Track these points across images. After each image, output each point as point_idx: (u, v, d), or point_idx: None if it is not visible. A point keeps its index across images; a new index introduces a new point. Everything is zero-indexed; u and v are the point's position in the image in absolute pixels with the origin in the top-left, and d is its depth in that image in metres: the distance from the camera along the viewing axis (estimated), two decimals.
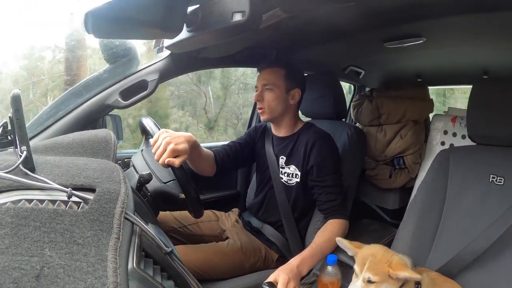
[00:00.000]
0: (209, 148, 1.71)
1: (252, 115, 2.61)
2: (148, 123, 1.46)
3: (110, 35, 1.25)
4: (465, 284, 1.19)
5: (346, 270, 1.44)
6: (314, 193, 1.61)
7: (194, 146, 1.39)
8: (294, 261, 1.33)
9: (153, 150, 1.26)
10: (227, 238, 1.72)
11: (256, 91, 1.70)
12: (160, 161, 1.24)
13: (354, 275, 1.16)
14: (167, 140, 1.24)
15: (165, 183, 1.41)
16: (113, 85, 1.54)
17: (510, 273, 1.18)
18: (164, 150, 1.23)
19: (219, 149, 1.79)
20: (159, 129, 1.36)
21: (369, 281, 1.09)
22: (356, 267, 1.15)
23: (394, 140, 2.48)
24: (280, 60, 1.76)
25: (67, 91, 1.61)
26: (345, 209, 1.55)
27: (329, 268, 1.25)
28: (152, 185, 1.41)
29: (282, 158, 1.72)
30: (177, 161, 1.24)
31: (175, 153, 1.25)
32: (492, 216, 1.24)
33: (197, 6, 1.08)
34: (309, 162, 1.61)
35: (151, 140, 1.29)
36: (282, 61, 1.73)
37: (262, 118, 1.71)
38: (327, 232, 1.47)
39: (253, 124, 2.50)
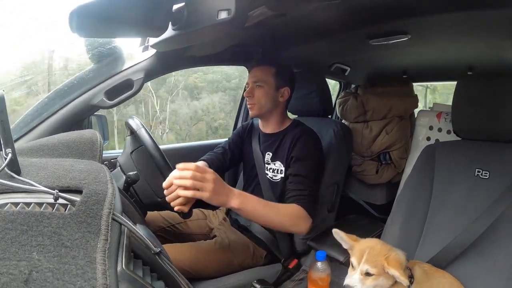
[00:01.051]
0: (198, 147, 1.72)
1: (238, 113, 2.60)
2: (135, 123, 1.45)
3: (94, 34, 1.24)
4: (454, 277, 1.21)
5: (335, 265, 1.46)
6: (287, 184, 1.60)
7: None
8: (238, 191, 1.28)
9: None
10: (215, 236, 1.72)
11: (247, 87, 1.73)
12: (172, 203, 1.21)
13: (350, 268, 1.15)
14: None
15: (161, 198, 1.40)
16: (98, 84, 1.52)
17: (496, 266, 1.20)
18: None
19: (211, 156, 1.82)
20: (146, 130, 1.35)
21: (367, 273, 1.08)
22: (353, 260, 1.13)
23: (380, 136, 2.51)
24: (271, 59, 1.79)
25: (51, 91, 1.58)
26: (311, 204, 1.51)
27: (319, 264, 1.26)
28: (139, 186, 1.40)
29: (268, 154, 1.74)
30: (186, 209, 1.23)
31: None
32: (479, 209, 1.26)
33: (183, 4, 1.07)
34: (291, 155, 1.63)
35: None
36: (273, 60, 1.76)
37: (251, 113, 1.73)
38: (285, 207, 1.45)
39: (239, 122, 2.51)
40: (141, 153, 1.48)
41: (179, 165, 1.17)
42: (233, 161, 1.89)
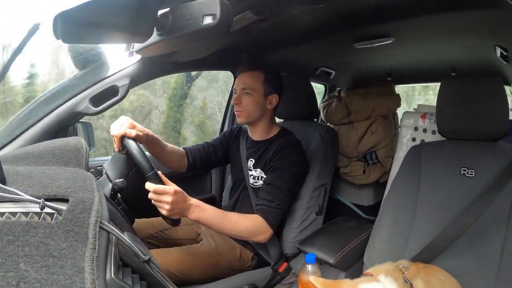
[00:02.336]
0: None
1: (224, 118, 2.60)
2: (135, 149, 1.43)
3: (79, 40, 1.22)
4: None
5: (325, 267, 1.46)
6: (259, 191, 1.63)
7: (153, 139, 1.51)
8: (194, 201, 1.36)
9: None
10: (202, 240, 1.72)
11: (235, 93, 1.71)
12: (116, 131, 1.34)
13: None
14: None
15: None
16: (83, 91, 1.50)
17: (482, 261, 1.23)
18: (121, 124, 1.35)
19: (192, 147, 1.83)
20: (136, 144, 1.35)
21: None
22: None
23: (365, 136, 2.54)
24: (260, 64, 1.76)
25: (36, 98, 1.56)
26: (275, 215, 1.53)
27: (309, 267, 1.26)
28: (126, 193, 1.39)
29: (251, 160, 1.75)
30: (133, 133, 1.34)
31: (132, 126, 1.37)
32: (465, 207, 1.28)
33: (167, 9, 1.07)
34: (270, 164, 1.64)
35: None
36: (263, 66, 1.73)
37: (239, 120, 1.72)
38: (244, 220, 1.49)
39: (225, 126, 2.50)
40: (128, 159, 1.46)
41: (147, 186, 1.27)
42: (214, 158, 1.87)
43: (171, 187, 1.26)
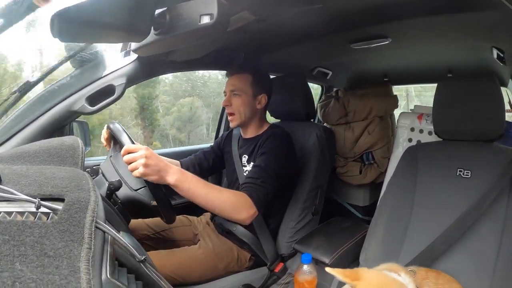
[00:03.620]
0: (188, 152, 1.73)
1: (220, 121, 2.60)
2: (116, 128, 1.43)
3: (76, 38, 1.22)
4: None
5: (321, 267, 1.46)
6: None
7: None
8: (175, 168, 1.29)
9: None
10: (199, 241, 1.72)
11: (225, 95, 1.74)
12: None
13: None
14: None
15: (135, 190, 1.39)
16: (79, 90, 1.50)
17: (477, 262, 1.23)
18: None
19: (186, 159, 1.89)
20: (127, 134, 1.34)
21: None
22: None
23: (362, 137, 2.55)
24: (247, 66, 1.78)
25: (32, 97, 1.55)
26: (260, 194, 1.46)
27: (305, 267, 1.27)
28: (122, 193, 1.38)
29: (244, 156, 1.77)
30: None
31: None
32: (462, 208, 1.28)
33: (165, 8, 1.07)
34: (259, 151, 1.65)
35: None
36: (250, 67, 1.75)
37: (232, 124, 1.74)
38: (228, 192, 1.42)
39: (222, 129, 2.51)
40: (121, 156, 1.47)
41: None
42: (206, 166, 1.90)
43: (146, 153, 1.21)
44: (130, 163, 1.21)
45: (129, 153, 1.22)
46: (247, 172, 1.72)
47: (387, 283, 0.98)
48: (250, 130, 1.79)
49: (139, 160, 1.19)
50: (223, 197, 1.36)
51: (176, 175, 1.26)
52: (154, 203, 1.32)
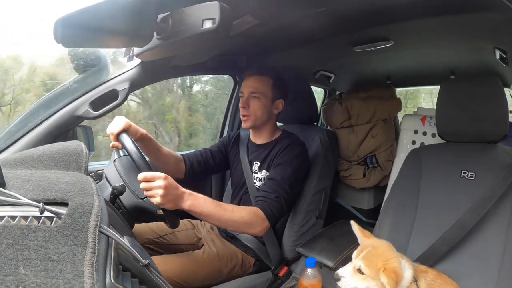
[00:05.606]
0: None
1: (224, 122, 2.59)
2: (129, 146, 1.42)
3: (79, 44, 1.23)
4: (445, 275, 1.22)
5: (326, 271, 1.45)
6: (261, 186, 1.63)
7: (147, 138, 1.51)
8: (188, 192, 1.29)
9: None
10: (203, 246, 1.71)
11: (241, 97, 1.70)
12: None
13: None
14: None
15: (142, 199, 1.39)
16: (83, 95, 1.51)
17: (482, 264, 1.23)
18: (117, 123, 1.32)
19: (190, 153, 1.82)
20: (139, 151, 1.33)
21: (359, 270, 1.07)
22: (354, 253, 1.14)
23: (365, 140, 2.54)
24: (268, 69, 1.75)
25: (36, 102, 1.56)
26: (273, 207, 1.48)
27: (309, 270, 1.26)
28: (129, 200, 1.38)
29: (256, 163, 1.74)
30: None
31: (128, 125, 1.36)
32: (466, 209, 1.28)
33: (167, 13, 1.07)
34: (274, 162, 1.64)
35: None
36: (271, 70, 1.73)
37: (245, 125, 1.71)
38: (240, 210, 1.43)
39: (225, 131, 2.49)
40: (124, 161, 1.47)
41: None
42: (212, 164, 1.86)
43: (162, 173, 1.21)
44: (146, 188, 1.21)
45: (146, 180, 1.20)
46: (258, 180, 1.71)
47: (382, 247, 1.13)
48: (263, 135, 1.77)
49: (157, 190, 1.18)
50: (236, 217, 1.38)
51: (189, 201, 1.27)
52: (160, 211, 1.32)
